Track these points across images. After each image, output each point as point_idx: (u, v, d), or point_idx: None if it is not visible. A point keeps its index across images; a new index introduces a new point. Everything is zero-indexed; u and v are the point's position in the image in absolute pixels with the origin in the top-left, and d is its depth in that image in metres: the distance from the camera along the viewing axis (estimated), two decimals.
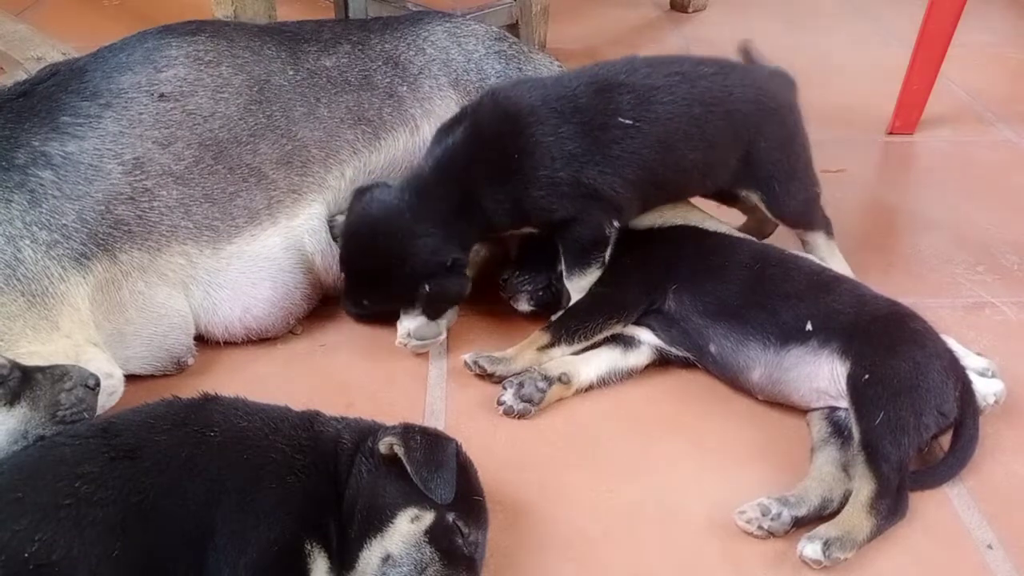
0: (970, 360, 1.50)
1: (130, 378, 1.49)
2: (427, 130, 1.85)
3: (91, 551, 1.02)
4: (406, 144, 1.84)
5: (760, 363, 1.50)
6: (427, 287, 1.56)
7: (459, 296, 1.63)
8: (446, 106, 1.87)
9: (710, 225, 1.70)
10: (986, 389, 1.46)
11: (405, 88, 1.85)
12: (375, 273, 1.60)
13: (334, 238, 1.71)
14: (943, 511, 1.35)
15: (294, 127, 1.72)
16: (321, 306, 1.73)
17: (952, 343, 1.49)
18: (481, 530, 1.19)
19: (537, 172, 1.53)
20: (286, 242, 1.67)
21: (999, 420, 1.50)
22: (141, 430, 1.15)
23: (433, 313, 1.60)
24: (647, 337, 1.60)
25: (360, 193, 1.64)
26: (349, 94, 1.79)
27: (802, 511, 1.31)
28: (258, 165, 1.66)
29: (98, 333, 1.48)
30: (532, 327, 1.62)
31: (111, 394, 1.42)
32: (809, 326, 1.46)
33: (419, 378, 1.60)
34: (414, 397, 1.57)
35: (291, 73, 1.75)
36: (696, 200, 1.77)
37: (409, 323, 1.59)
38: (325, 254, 1.70)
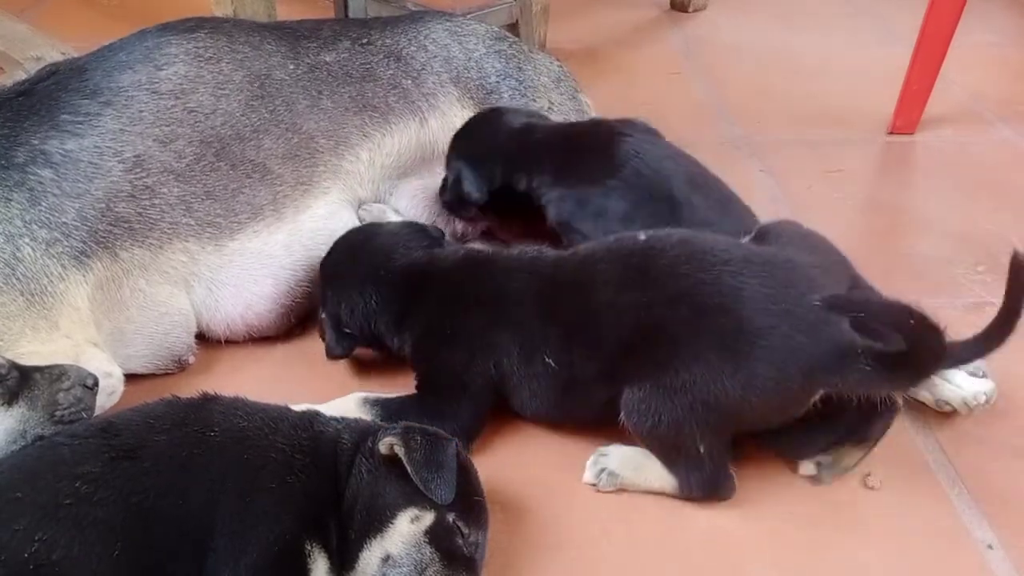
0: None
1: (130, 378, 1.49)
2: (434, 125, 1.86)
3: (91, 551, 1.02)
4: (417, 134, 1.84)
5: None
6: (322, 314, 1.58)
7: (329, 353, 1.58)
8: (449, 103, 1.87)
9: None
10: (976, 388, 1.46)
11: (409, 82, 1.85)
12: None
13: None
14: (943, 511, 1.35)
15: (298, 120, 1.71)
16: None
17: None
18: (481, 530, 1.18)
19: None
20: (289, 239, 1.67)
21: (998, 420, 1.50)
22: (141, 430, 1.15)
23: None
24: None
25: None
26: (351, 85, 1.79)
27: None
28: (262, 161, 1.66)
29: (98, 332, 1.48)
30: None
31: (111, 394, 1.42)
32: None
33: None
34: None
35: (291, 68, 1.75)
36: None
37: None
38: None
